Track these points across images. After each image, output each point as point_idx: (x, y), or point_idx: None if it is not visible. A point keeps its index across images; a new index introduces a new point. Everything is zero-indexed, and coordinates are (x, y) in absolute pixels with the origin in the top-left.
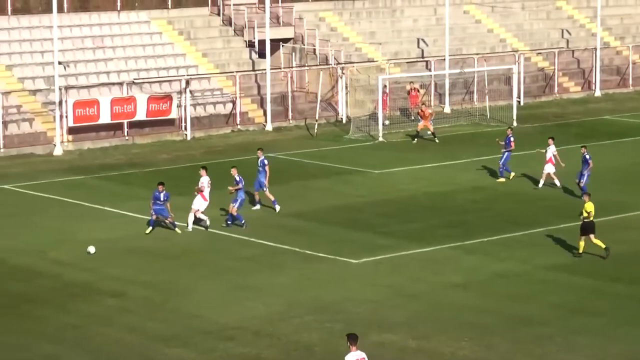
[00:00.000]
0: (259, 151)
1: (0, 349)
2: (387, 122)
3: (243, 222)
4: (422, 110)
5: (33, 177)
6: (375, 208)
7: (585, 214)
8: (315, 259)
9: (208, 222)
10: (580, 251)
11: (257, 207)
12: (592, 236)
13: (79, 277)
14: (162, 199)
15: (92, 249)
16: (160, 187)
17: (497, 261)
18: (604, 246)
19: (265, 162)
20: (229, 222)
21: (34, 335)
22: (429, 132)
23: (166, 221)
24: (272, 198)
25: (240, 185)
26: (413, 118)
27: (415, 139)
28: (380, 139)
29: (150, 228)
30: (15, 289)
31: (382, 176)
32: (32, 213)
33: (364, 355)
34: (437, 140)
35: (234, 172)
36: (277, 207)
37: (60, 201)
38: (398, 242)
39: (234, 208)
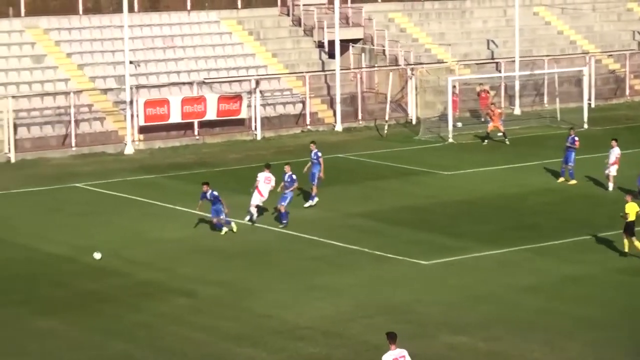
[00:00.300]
0: (312, 144)
1: (73, 346)
2: (459, 125)
3: (285, 222)
4: (491, 110)
5: (104, 176)
6: (445, 209)
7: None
8: (385, 259)
9: (255, 217)
10: (626, 250)
11: (311, 202)
12: (633, 238)
13: (151, 276)
14: (208, 198)
15: (97, 255)
16: (205, 187)
17: (568, 264)
18: None
19: (319, 154)
20: (284, 222)
21: (106, 333)
22: (500, 134)
23: (220, 219)
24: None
25: (295, 185)
26: (483, 120)
27: (486, 141)
28: (450, 140)
29: (225, 229)
30: (88, 288)
31: (452, 177)
32: (104, 212)
33: (404, 353)
34: (507, 142)
35: (287, 169)
36: (311, 203)
37: (131, 200)
38: (468, 243)
39: (282, 206)
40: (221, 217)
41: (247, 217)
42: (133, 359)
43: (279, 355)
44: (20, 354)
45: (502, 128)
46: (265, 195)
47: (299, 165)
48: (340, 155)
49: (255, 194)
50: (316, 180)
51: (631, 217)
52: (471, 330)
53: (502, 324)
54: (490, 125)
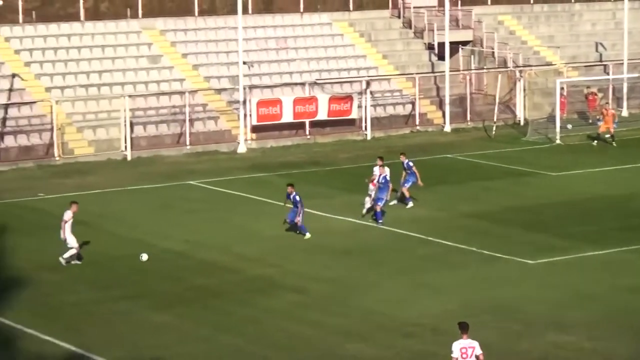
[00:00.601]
0: (402, 156)
1: (185, 340)
2: (569, 126)
3: (381, 221)
4: (605, 110)
5: (217, 174)
6: (552, 210)
7: None
8: (492, 259)
9: (366, 208)
10: None
11: (409, 204)
12: None
13: (261, 273)
14: (291, 199)
15: (144, 257)
16: (290, 188)
17: None
18: None
19: (411, 163)
20: (380, 221)
21: (217, 327)
22: (608, 135)
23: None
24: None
25: (390, 186)
26: (591, 121)
27: (596, 141)
28: (558, 141)
29: (307, 234)
30: (200, 283)
31: (560, 178)
32: (216, 209)
33: (475, 344)
34: (614, 144)
35: (379, 161)
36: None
37: (243, 197)
38: (575, 243)
39: (378, 205)
40: (297, 219)
41: (364, 210)
42: (242, 353)
43: (388, 352)
44: (134, 346)
45: (612, 130)
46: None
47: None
48: (449, 155)
49: (370, 187)
50: (409, 184)
51: None
52: (577, 330)
53: (607, 324)
54: (602, 126)
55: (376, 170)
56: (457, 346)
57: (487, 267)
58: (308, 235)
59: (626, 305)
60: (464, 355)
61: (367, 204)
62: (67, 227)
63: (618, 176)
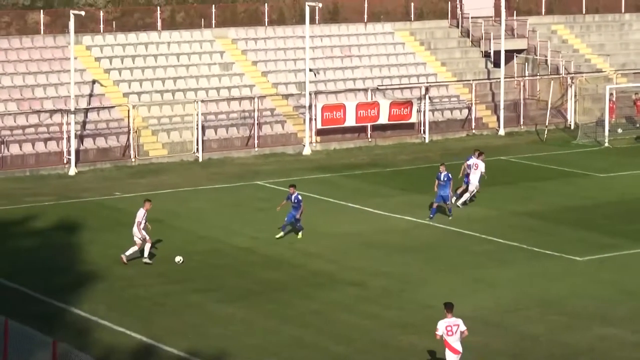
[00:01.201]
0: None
1: (250, 331)
2: (620, 130)
3: (431, 216)
4: None
5: (283, 175)
6: (601, 209)
7: None
8: (543, 256)
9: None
10: None
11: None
12: None
13: (323, 267)
14: (293, 200)
15: (179, 259)
16: (292, 189)
17: None
18: None
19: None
20: (431, 216)
21: (281, 319)
22: None
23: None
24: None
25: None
26: (638, 125)
27: None
28: (607, 144)
29: (300, 234)
30: (266, 277)
31: (608, 179)
32: (282, 208)
33: (459, 322)
34: None
35: (442, 169)
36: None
37: (307, 197)
38: (622, 241)
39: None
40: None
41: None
42: (304, 344)
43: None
44: (202, 337)
45: None
46: (475, 182)
47: (457, 168)
48: (503, 157)
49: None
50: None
51: None
52: (621, 323)
53: None
54: None
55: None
56: (442, 324)
57: (538, 263)
58: (301, 235)
59: None
60: (450, 333)
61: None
62: (137, 225)
63: None
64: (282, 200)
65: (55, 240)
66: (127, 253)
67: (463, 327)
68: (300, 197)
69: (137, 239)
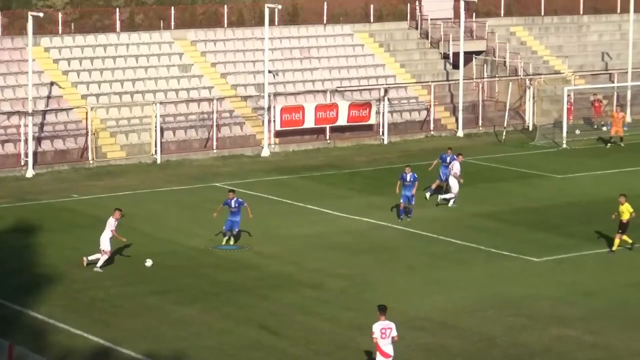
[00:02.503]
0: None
1: (208, 333)
2: (578, 132)
3: (401, 218)
4: (616, 112)
5: (242, 176)
6: (558, 210)
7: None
8: (500, 256)
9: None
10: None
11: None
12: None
13: (281, 269)
14: (232, 205)
15: (149, 262)
16: (231, 194)
17: None
18: (631, 241)
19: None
20: (400, 217)
21: (239, 321)
22: (616, 136)
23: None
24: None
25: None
26: (596, 127)
27: (609, 144)
28: (564, 145)
29: (226, 238)
30: (224, 278)
31: (565, 181)
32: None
33: (392, 325)
34: (622, 144)
35: (407, 170)
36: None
37: (266, 198)
38: (578, 242)
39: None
40: (235, 229)
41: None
42: (262, 346)
43: (398, 345)
44: (159, 339)
45: (622, 132)
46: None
47: (420, 168)
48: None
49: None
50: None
51: (625, 217)
52: (578, 324)
53: (607, 319)
54: (613, 129)
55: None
56: (377, 327)
57: (495, 264)
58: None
59: (626, 300)
60: (383, 336)
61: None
62: (108, 233)
63: (620, 179)
64: (219, 205)
65: (11, 242)
66: (90, 257)
67: (395, 332)
68: (241, 200)
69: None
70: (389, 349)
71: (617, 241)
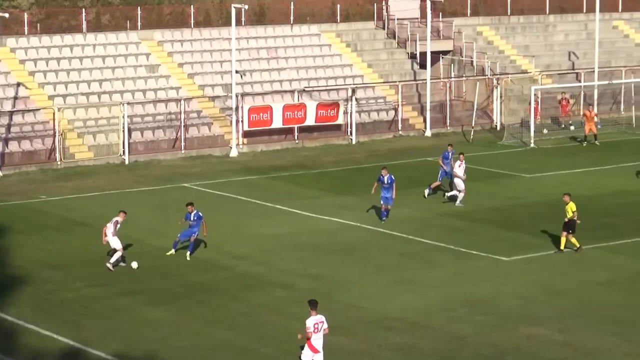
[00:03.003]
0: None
1: (179, 334)
2: (545, 131)
3: (383, 219)
4: (589, 111)
5: (210, 177)
6: (526, 210)
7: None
8: (470, 256)
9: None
10: (562, 247)
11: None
12: (570, 235)
13: (252, 270)
14: (192, 219)
15: (135, 265)
16: (190, 208)
17: None
18: (578, 245)
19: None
20: (383, 219)
21: (210, 321)
22: (584, 135)
23: (191, 239)
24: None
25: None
26: (563, 126)
27: (585, 142)
28: (532, 145)
29: (172, 252)
30: (194, 279)
31: (533, 180)
32: (209, 209)
33: (323, 318)
34: (597, 143)
35: (384, 172)
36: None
37: (235, 199)
38: (547, 241)
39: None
40: (192, 236)
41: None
42: (233, 346)
43: (369, 344)
44: (130, 340)
45: (595, 130)
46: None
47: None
48: (429, 158)
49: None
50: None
51: (569, 215)
52: (548, 323)
53: (577, 317)
54: (586, 127)
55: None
56: (311, 321)
57: (464, 264)
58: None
59: (595, 299)
60: (316, 330)
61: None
62: (110, 231)
63: (587, 178)
64: (181, 218)
65: None
66: (112, 260)
67: (326, 325)
68: (201, 214)
69: (115, 246)
70: (318, 343)
71: (563, 240)
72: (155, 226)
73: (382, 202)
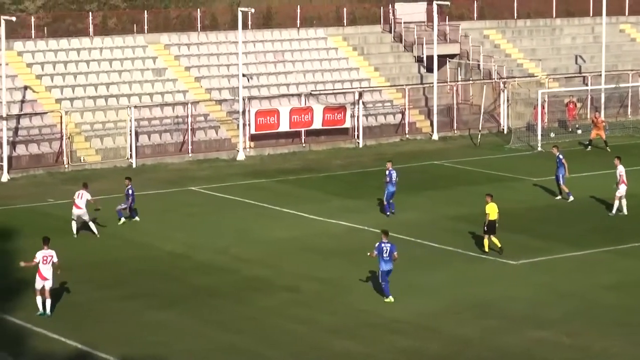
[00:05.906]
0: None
1: (184, 337)
2: (552, 135)
3: (388, 213)
4: (595, 118)
5: (217, 180)
6: (533, 213)
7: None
8: (476, 259)
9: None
10: (486, 249)
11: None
12: (492, 236)
13: (257, 273)
14: (126, 192)
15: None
16: (127, 182)
17: None
18: (499, 246)
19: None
20: (387, 213)
21: (215, 325)
22: (597, 138)
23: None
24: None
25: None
26: (570, 130)
27: (589, 147)
28: (539, 148)
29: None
30: (199, 283)
31: (540, 183)
32: (216, 213)
33: (52, 253)
34: (608, 149)
35: (388, 165)
36: (571, 198)
37: (242, 202)
38: (554, 245)
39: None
40: (121, 206)
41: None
42: (238, 350)
43: (374, 348)
44: (136, 343)
45: (604, 136)
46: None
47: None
48: (436, 162)
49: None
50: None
51: (492, 217)
52: (555, 326)
53: (584, 320)
54: (593, 133)
55: None
56: (39, 255)
57: (471, 267)
58: (122, 220)
59: (602, 302)
60: (45, 262)
61: None
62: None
63: (595, 181)
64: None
65: None
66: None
67: (55, 259)
68: (131, 191)
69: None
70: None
71: (486, 242)
72: (162, 230)
73: (385, 199)
